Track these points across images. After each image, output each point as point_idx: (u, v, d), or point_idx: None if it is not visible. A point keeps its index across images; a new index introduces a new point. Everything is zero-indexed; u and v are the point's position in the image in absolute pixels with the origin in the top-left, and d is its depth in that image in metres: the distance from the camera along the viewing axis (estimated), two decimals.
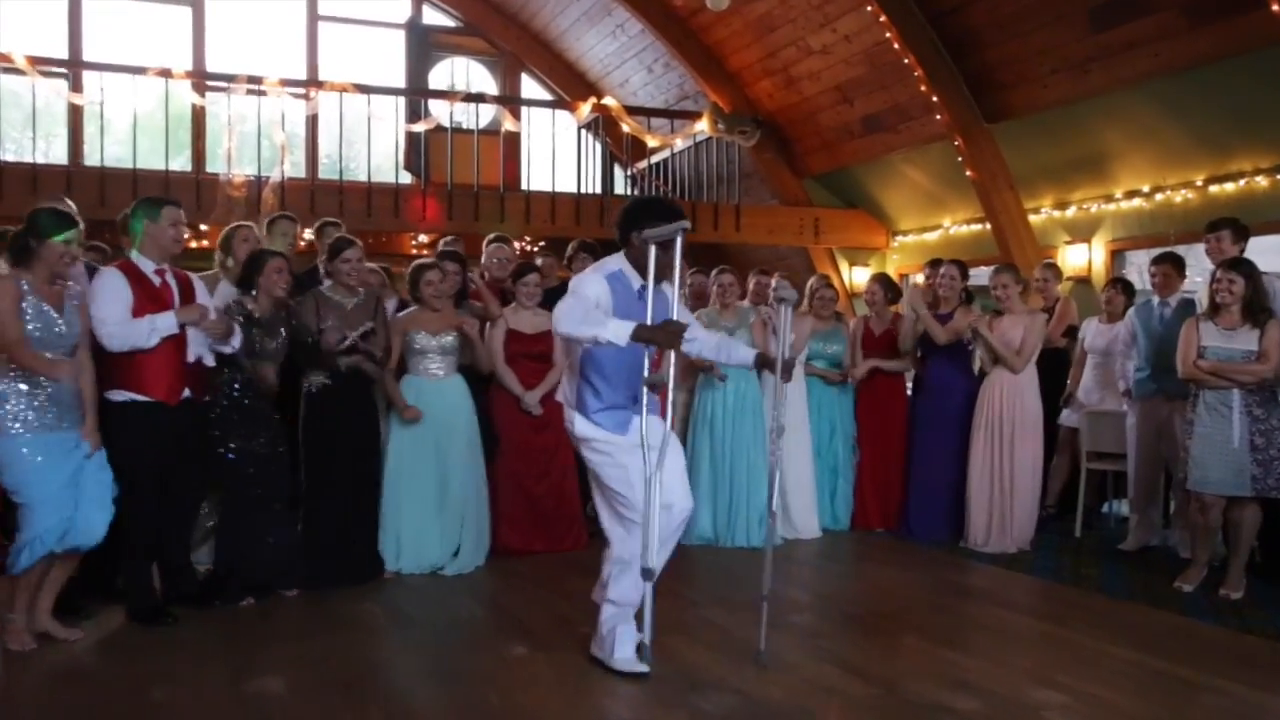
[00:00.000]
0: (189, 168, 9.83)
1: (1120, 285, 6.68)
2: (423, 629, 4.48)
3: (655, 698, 3.63)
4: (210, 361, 4.56)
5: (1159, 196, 7.54)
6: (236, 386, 4.74)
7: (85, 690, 3.67)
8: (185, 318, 4.37)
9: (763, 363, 4.13)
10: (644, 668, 3.78)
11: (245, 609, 4.65)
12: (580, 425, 3.88)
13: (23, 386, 3.94)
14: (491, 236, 6.70)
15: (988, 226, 8.66)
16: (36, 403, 3.95)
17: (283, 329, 4.88)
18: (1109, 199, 7.96)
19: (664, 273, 3.77)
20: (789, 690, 3.67)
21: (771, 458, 3.88)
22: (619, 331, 3.53)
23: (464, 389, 5.50)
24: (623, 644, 3.83)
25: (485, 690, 3.66)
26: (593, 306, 3.69)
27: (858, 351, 6.68)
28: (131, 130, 8.37)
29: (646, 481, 3.70)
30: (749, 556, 5.79)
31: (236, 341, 4.60)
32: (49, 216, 4.05)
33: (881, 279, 6.96)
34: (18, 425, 3.92)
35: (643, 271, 3.75)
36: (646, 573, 3.75)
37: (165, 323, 4.29)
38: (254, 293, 4.82)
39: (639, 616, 3.84)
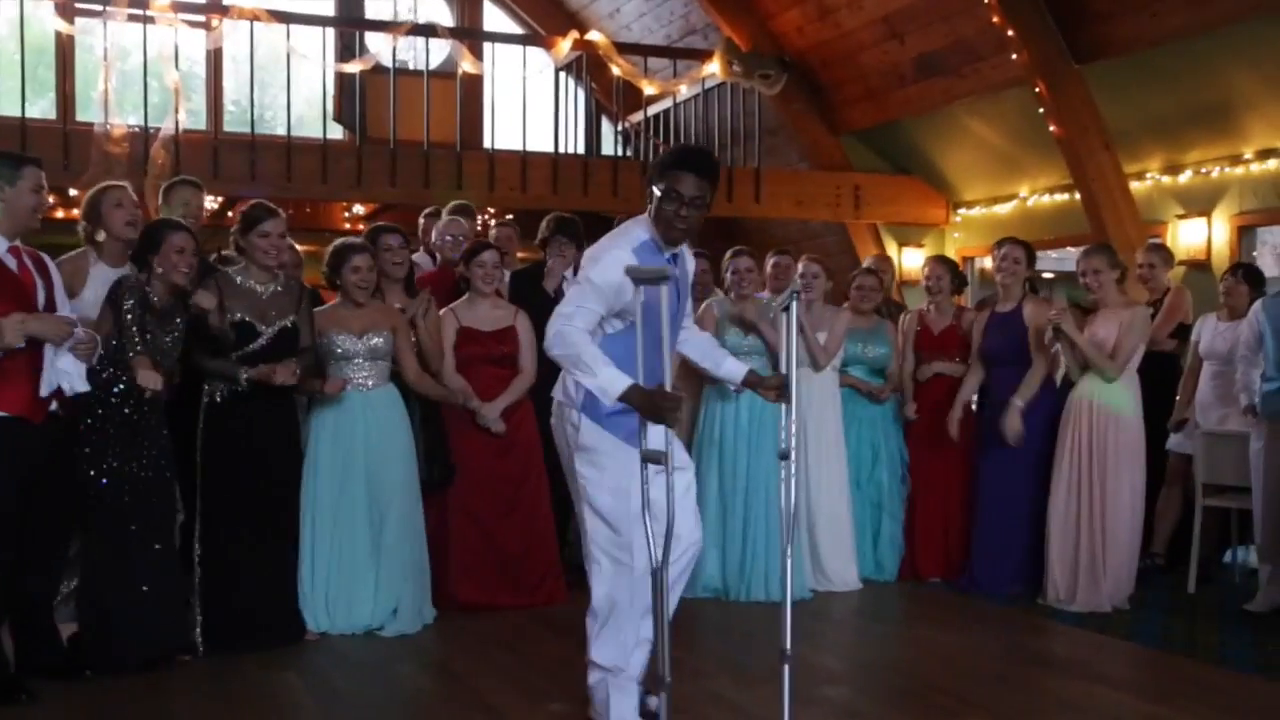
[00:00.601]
0: (53, 115, 9.84)
1: (1243, 272, 6.71)
2: (354, 705, 4.47)
3: None
4: (80, 389, 4.46)
5: None
6: (116, 392, 4.72)
7: None
8: (39, 330, 4.29)
9: (756, 382, 4.18)
10: None
11: (125, 681, 4.62)
12: (587, 430, 3.91)
13: None
14: (451, 206, 6.74)
15: (1076, 196, 8.70)
16: None
17: (180, 319, 4.88)
18: (1236, 160, 7.99)
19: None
20: None
21: (783, 485, 3.90)
22: (608, 386, 3.63)
23: (398, 401, 5.51)
24: (619, 704, 3.90)
25: None
26: (605, 304, 3.77)
27: (908, 353, 6.71)
28: None
29: (650, 506, 3.71)
30: (767, 613, 5.76)
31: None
32: None
33: (944, 262, 6.99)
34: None
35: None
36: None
37: (8, 335, 4.20)
38: (159, 272, 4.79)
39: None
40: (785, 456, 4.06)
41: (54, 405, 4.41)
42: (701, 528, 4.06)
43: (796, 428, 6.14)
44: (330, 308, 5.50)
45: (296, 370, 5.05)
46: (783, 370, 3.99)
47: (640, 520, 3.68)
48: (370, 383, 5.43)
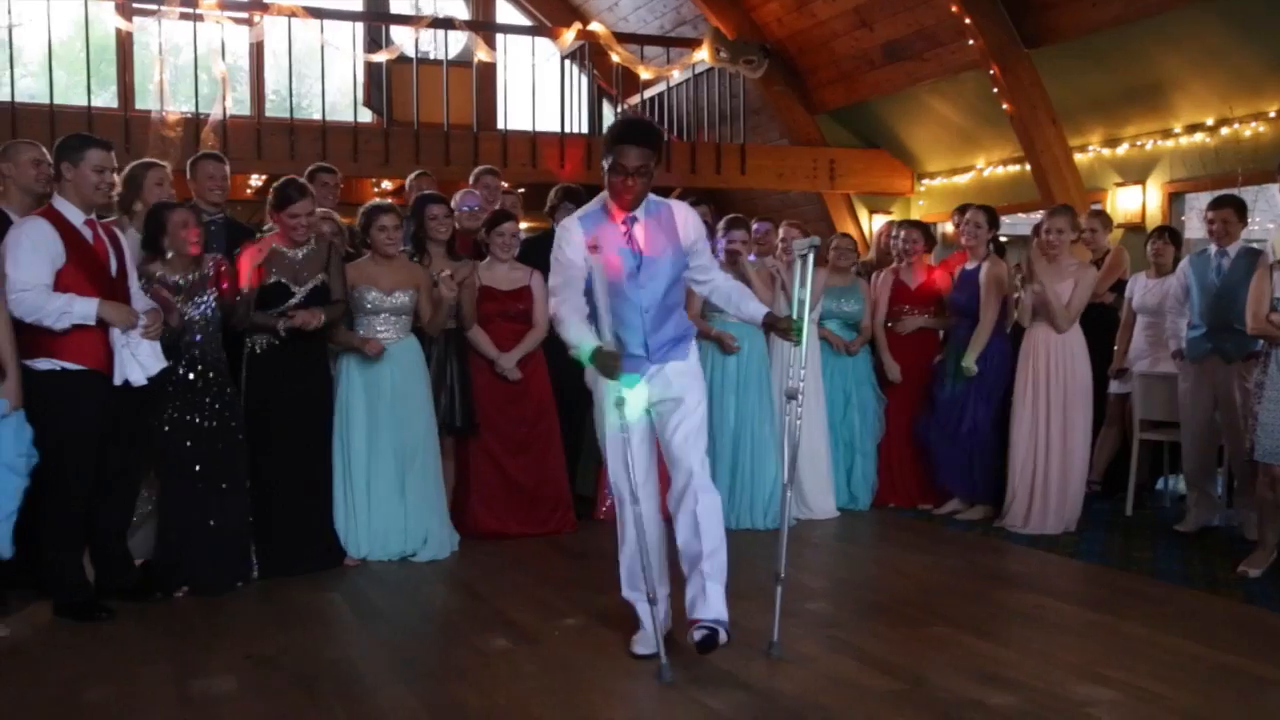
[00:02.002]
0: (115, 104, 9.77)
1: (1168, 234, 6.71)
2: (391, 621, 4.51)
3: (657, 695, 3.67)
4: (154, 370, 4.47)
5: (1225, 130, 7.53)
6: (181, 362, 4.75)
7: (11, 691, 3.69)
8: (109, 317, 4.30)
9: (771, 322, 4.15)
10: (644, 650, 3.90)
11: (191, 602, 4.68)
12: (589, 379, 3.99)
13: None
14: (479, 171, 6.73)
15: (1027, 167, 8.66)
16: None
17: (209, 291, 4.85)
18: (1167, 134, 7.95)
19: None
20: (804, 685, 3.72)
21: (785, 424, 3.93)
22: (580, 355, 3.78)
23: (419, 353, 5.49)
24: (641, 622, 3.98)
25: (462, 688, 3.70)
26: (574, 278, 3.82)
27: (882, 308, 6.70)
28: (47, 60, 8.30)
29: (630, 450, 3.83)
30: (756, 540, 5.83)
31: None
32: None
33: (918, 225, 6.96)
34: None
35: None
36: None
37: (83, 310, 4.24)
38: (169, 255, 4.77)
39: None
40: (792, 396, 4.07)
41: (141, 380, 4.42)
42: (708, 470, 3.96)
43: (777, 375, 6.28)
44: (360, 263, 5.45)
45: (322, 316, 5.02)
46: (793, 314, 4.03)
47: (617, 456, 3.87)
48: (393, 336, 5.40)
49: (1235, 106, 7.45)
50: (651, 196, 3.96)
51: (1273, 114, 7.25)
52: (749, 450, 6.12)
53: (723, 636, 3.77)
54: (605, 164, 3.83)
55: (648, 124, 4.15)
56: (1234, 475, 6.14)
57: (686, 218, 3.98)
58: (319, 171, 6.28)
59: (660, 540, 4.00)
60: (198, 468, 4.77)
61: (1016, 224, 10.40)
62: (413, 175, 7.01)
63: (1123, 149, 8.30)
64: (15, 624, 4.32)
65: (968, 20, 8.10)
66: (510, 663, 3.95)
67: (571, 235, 3.87)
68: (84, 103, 8.33)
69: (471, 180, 6.79)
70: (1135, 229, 8.10)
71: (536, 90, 9.45)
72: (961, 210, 6.64)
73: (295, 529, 5.09)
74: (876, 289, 6.81)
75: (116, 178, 4.58)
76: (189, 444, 4.76)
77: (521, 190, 8.96)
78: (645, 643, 3.96)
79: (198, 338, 4.81)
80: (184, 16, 8.55)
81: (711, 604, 3.82)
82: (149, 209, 4.92)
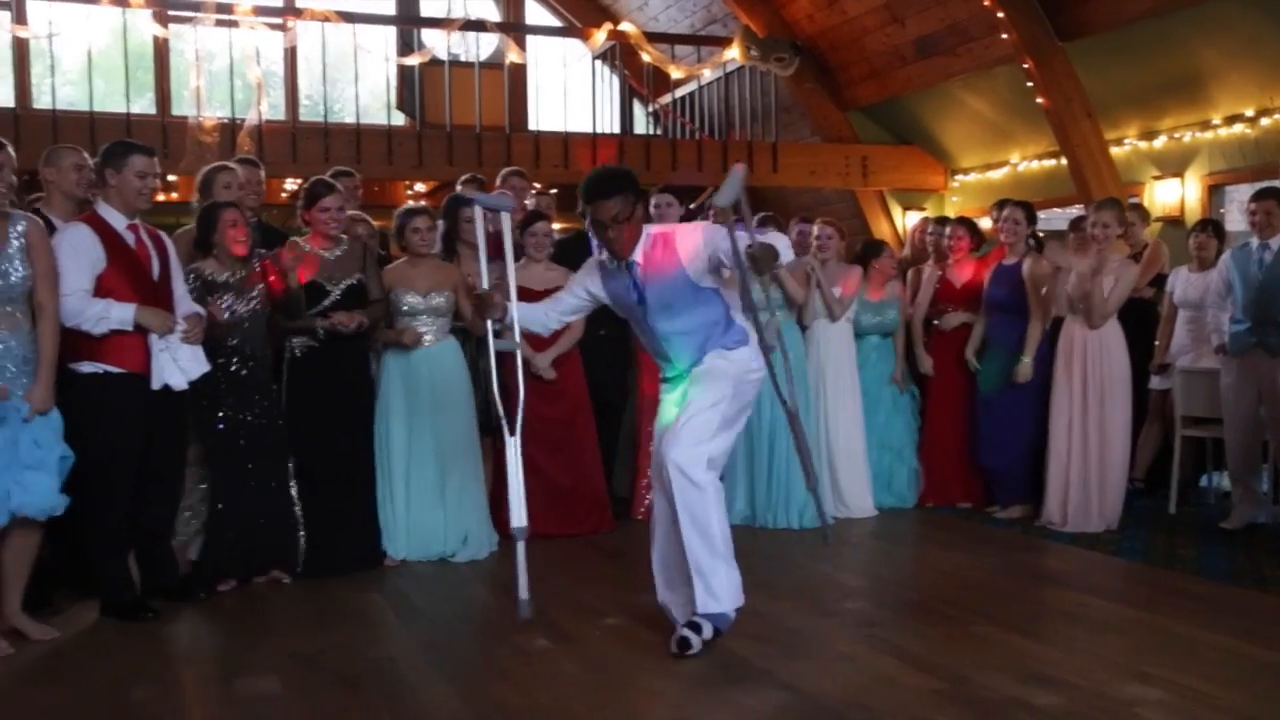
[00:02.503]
0: (153, 110, 9.87)
1: (1211, 228, 6.63)
2: (432, 621, 4.54)
3: (695, 693, 3.66)
4: (195, 374, 4.50)
5: (1265, 121, 7.44)
6: (222, 355, 4.81)
7: (58, 691, 3.73)
8: (145, 322, 4.33)
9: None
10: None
11: (233, 602, 4.72)
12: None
13: None
14: (506, 172, 6.74)
15: (1063, 161, 8.59)
16: None
17: (258, 287, 4.93)
18: (1205, 126, 7.86)
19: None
20: (843, 684, 3.69)
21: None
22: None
23: (459, 355, 5.51)
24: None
25: (502, 687, 3.71)
26: (576, 293, 4.24)
27: (924, 303, 6.67)
28: (86, 68, 8.40)
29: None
30: (792, 538, 5.83)
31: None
32: None
33: (965, 223, 6.89)
34: None
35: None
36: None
37: (120, 315, 4.27)
38: (215, 252, 4.85)
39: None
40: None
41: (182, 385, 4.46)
42: (679, 447, 3.90)
43: (814, 374, 6.27)
44: (397, 266, 5.49)
45: (363, 320, 5.09)
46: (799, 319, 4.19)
47: None
48: (431, 337, 5.42)
49: (1275, 96, 7.35)
50: (647, 229, 4.03)
51: None
52: (785, 446, 6.08)
53: (693, 640, 3.88)
54: (585, 223, 3.95)
55: (610, 173, 4.14)
56: (1279, 471, 6.05)
57: (685, 236, 3.99)
58: (338, 175, 6.30)
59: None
60: (250, 465, 4.88)
61: (1052, 219, 10.30)
62: (463, 179, 6.97)
63: (1160, 141, 8.21)
64: (62, 624, 4.36)
65: (1000, 14, 8.04)
66: (551, 662, 3.96)
67: (592, 275, 4.19)
68: (122, 109, 8.43)
69: (499, 181, 6.81)
70: (1174, 222, 8.01)
71: (568, 91, 9.47)
72: (999, 206, 6.57)
73: (336, 529, 5.13)
74: (919, 284, 6.76)
75: (159, 183, 4.61)
76: (242, 442, 4.86)
77: (554, 191, 8.97)
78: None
79: (241, 337, 4.87)
80: (219, 23, 8.64)
81: (693, 600, 3.95)
82: (201, 209, 4.99)
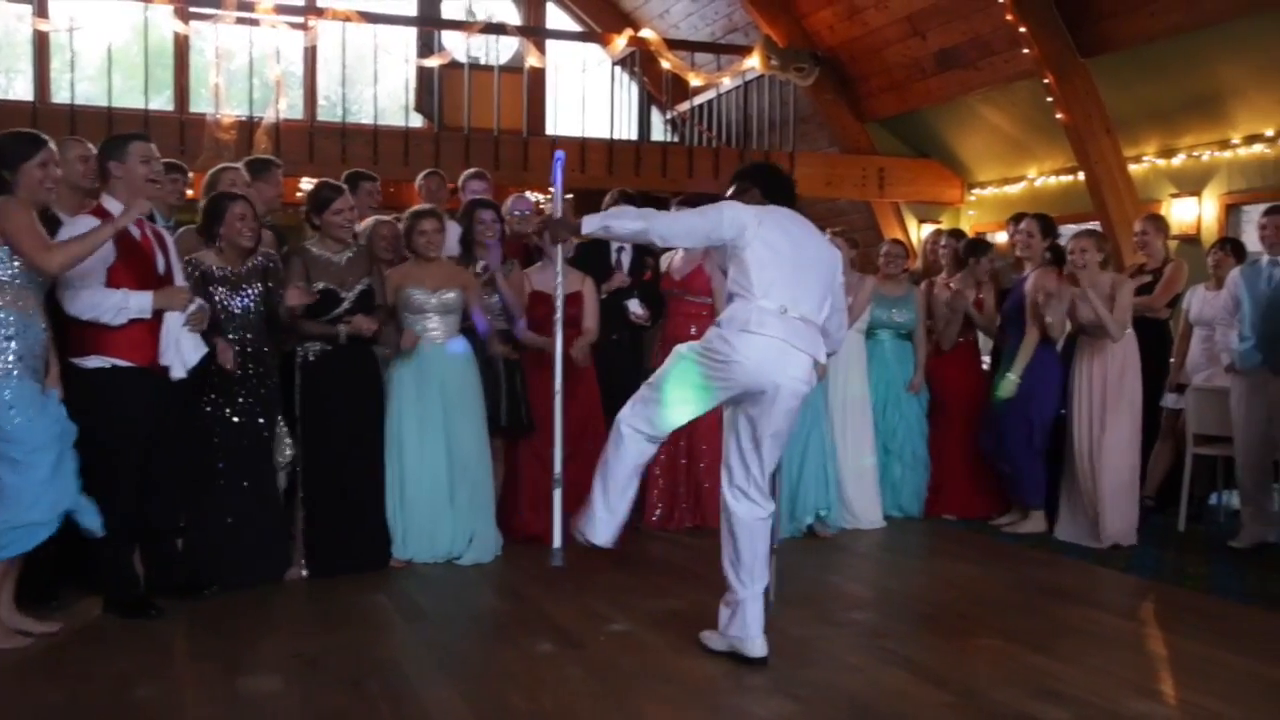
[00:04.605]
0: (171, 107, 9.89)
1: (1230, 246, 6.58)
2: (437, 623, 4.51)
3: (701, 701, 3.64)
4: (193, 361, 4.46)
5: None
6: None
7: (60, 687, 3.71)
8: (165, 303, 4.34)
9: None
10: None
11: (239, 600, 4.69)
12: None
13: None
14: (467, 175, 6.78)
15: (1080, 177, 8.55)
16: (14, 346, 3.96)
17: (256, 285, 4.88)
18: (1224, 145, 7.82)
19: None
20: (851, 695, 3.67)
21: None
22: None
23: (469, 354, 5.49)
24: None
25: (507, 690, 3.68)
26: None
27: (955, 321, 6.66)
28: (105, 64, 8.42)
29: None
30: (799, 547, 5.79)
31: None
32: (14, 141, 4.10)
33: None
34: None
35: None
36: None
37: (139, 304, 4.27)
38: (219, 245, 4.82)
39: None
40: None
41: (182, 373, 4.44)
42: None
43: (826, 382, 6.22)
44: (405, 266, 5.47)
45: (376, 325, 5.09)
46: None
47: None
48: (441, 335, 5.40)
49: None
50: None
51: None
52: (791, 454, 6.04)
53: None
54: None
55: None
56: None
57: None
58: (360, 179, 6.30)
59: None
60: (220, 464, 4.80)
61: (1068, 235, 10.26)
62: (466, 174, 6.97)
63: (1179, 159, 8.17)
64: (65, 620, 4.35)
65: (1022, 29, 8.01)
66: (556, 666, 3.93)
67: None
68: (141, 105, 8.44)
69: (460, 185, 6.79)
70: (1190, 241, 7.97)
71: (586, 96, 9.46)
72: (1015, 220, 6.55)
73: (344, 530, 5.11)
74: (931, 297, 6.74)
75: (161, 167, 4.59)
76: (216, 439, 4.79)
77: (570, 196, 8.95)
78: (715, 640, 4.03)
79: (233, 333, 4.80)
80: (240, 21, 8.63)
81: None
82: (209, 199, 4.96)
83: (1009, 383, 6.05)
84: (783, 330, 3.83)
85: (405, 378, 5.35)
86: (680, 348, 4.01)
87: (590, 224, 4.01)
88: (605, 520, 4.05)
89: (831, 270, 4.04)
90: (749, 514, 3.94)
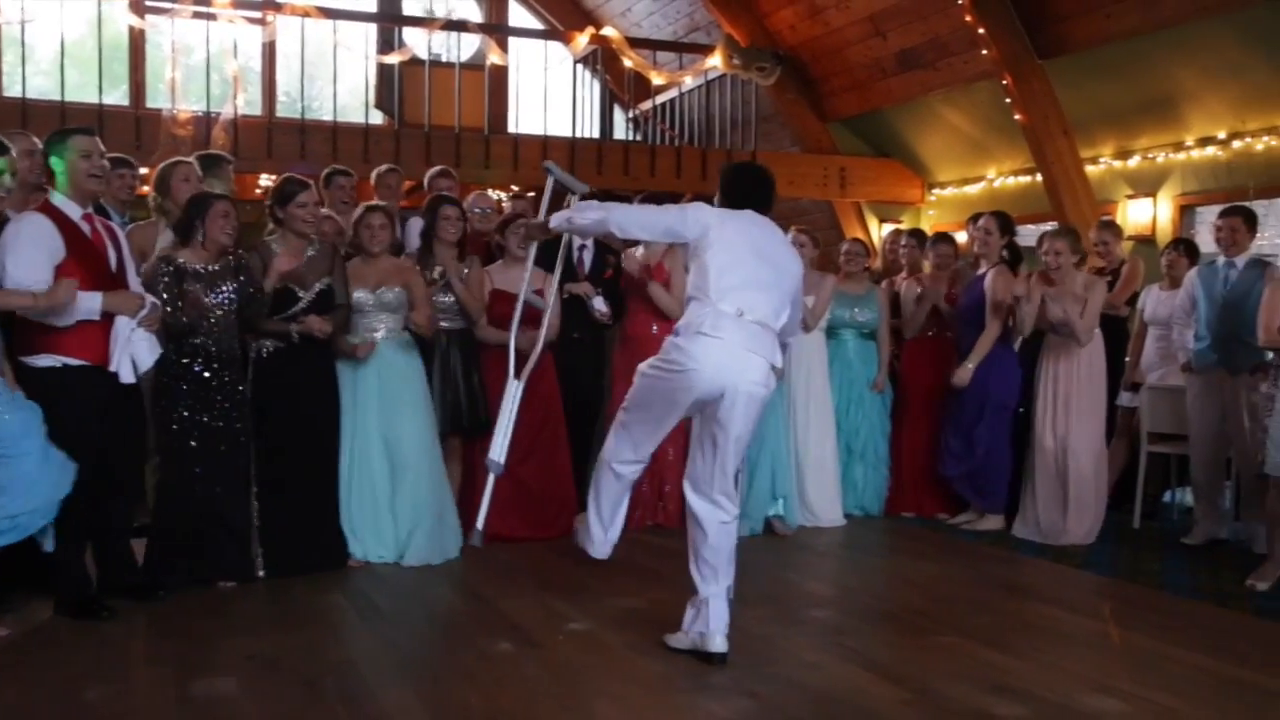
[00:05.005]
0: (126, 102, 9.76)
1: (1183, 247, 6.66)
2: (395, 623, 4.48)
3: (659, 700, 3.64)
4: (147, 364, 4.41)
5: (1237, 144, 7.50)
6: (187, 353, 4.72)
7: (9, 690, 3.65)
8: (114, 307, 4.26)
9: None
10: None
11: (193, 602, 4.63)
12: None
13: None
14: (433, 172, 6.75)
15: (1038, 178, 8.63)
16: None
17: (229, 283, 4.83)
18: (1179, 147, 7.92)
19: None
20: (809, 693, 3.68)
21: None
22: None
23: (411, 351, 5.42)
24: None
25: (465, 690, 3.66)
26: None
27: (920, 312, 6.68)
28: (59, 58, 8.29)
29: None
30: (759, 545, 5.81)
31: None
32: None
33: (948, 240, 6.91)
34: None
35: None
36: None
37: (88, 305, 4.19)
38: (201, 239, 4.76)
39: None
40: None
41: (130, 378, 4.37)
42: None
43: (787, 382, 6.25)
44: (353, 263, 5.40)
45: (329, 328, 5.02)
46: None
47: None
48: (380, 334, 5.33)
49: (1248, 120, 7.42)
50: None
51: None
52: (749, 452, 6.05)
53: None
54: None
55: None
56: (1241, 488, 6.09)
57: None
58: (335, 174, 6.26)
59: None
60: (198, 469, 4.74)
61: (1026, 234, 10.35)
62: (432, 171, 6.94)
63: (1134, 161, 8.26)
64: (14, 623, 4.28)
65: (981, 30, 8.08)
66: (514, 666, 3.92)
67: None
68: (95, 100, 8.32)
69: (426, 183, 6.79)
70: (1145, 241, 8.07)
71: (548, 94, 9.44)
72: (974, 219, 6.60)
73: (299, 530, 5.05)
74: (891, 296, 6.78)
75: (106, 163, 4.51)
76: (194, 443, 4.73)
77: (531, 194, 8.92)
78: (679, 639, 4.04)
79: (206, 335, 4.76)
80: (197, 15, 8.53)
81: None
82: (191, 196, 4.89)
83: (965, 370, 6.12)
84: (738, 334, 3.85)
85: (344, 376, 5.28)
86: (642, 366, 4.06)
87: (557, 220, 4.16)
88: (601, 538, 4.20)
89: (793, 277, 4.08)
90: (712, 517, 3.96)
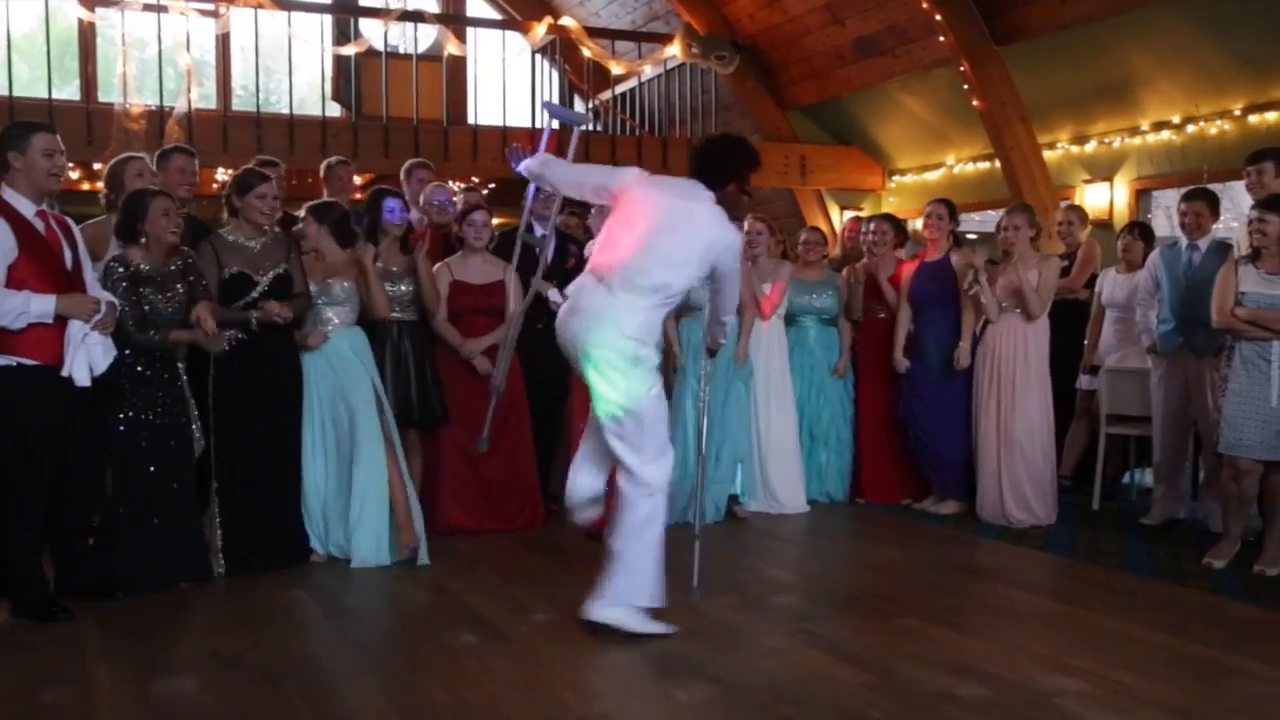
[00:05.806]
0: (78, 97, 9.64)
1: (1138, 230, 6.73)
2: (358, 618, 4.47)
3: (624, 688, 3.65)
4: (102, 367, 4.34)
5: (1191, 128, 7.60)
6: (129, 352, 4.62)
7: None
8: (68, 311, 4.20)
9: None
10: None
11: (153, 601, 4.58)
12: None
13: None
14: (411, 164, 6.73)
15: (997, 164, 8.70)
16: None
17: (179, 285, 4.76)
18: (1134, 131, 8.01)
19: None
20: (773, 678, 3.70)
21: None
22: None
23: (362, 344, 5.36)
24: None
25: (429, 684, 3.66)
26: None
27: (855, 303, 6.69)
28: (5, 53, 8.17)
29: None
30: (721, 532, 5.84)
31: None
32: None
33: (888, 219, 6.92)
34: None
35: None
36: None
37: (40, 308, 4.13)
38: (144, 241, 4.68)
39: None
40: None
41: (86, 381, 4.31)
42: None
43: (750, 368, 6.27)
44: (307, 258, 5.37)
45: (289, 313, 4.97)
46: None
47: None
48: (338, 325, 5.29)
49: (1201, 105, 7.52)
50: None
51: (1237, 112, 7.32)
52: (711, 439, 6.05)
53: None
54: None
55: None
56: (1205, 468, 6.17)
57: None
58: (263, 164, 6.18)
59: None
60: (152, 468, 4.69)
61: (986, 220, 10.45)
62: (410, 162, 6.90)
63: (1091, 146, 8.35)
64: None
65: (938, 16, 8.13)
66: (479, 659, 3.91)
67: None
68: (45, 95, 8.20)
69: (403, 176, 6.78)
70: (1103, 225, 8.15)
71: (507, 85, 9.41)
72: (928, 205, 6.65)
73: (261, 525, 5.02)
74: (850, 285, 6.80)
75: (65, 160, 4.45)
76: (144, 443, 4.67)
77: (492, 186, 8.92)
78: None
79: (163, 332, 4.69)
80: (147, 7, 8.43)
81: None
82: (126, 196, 4.79)
83: (963, 351, 6.17)
84: (594, 300, 3.96)
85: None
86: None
87: (525, 164, 4.38)
88: (662, 580, 4.12)
89: (705, 247, 4.02)
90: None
